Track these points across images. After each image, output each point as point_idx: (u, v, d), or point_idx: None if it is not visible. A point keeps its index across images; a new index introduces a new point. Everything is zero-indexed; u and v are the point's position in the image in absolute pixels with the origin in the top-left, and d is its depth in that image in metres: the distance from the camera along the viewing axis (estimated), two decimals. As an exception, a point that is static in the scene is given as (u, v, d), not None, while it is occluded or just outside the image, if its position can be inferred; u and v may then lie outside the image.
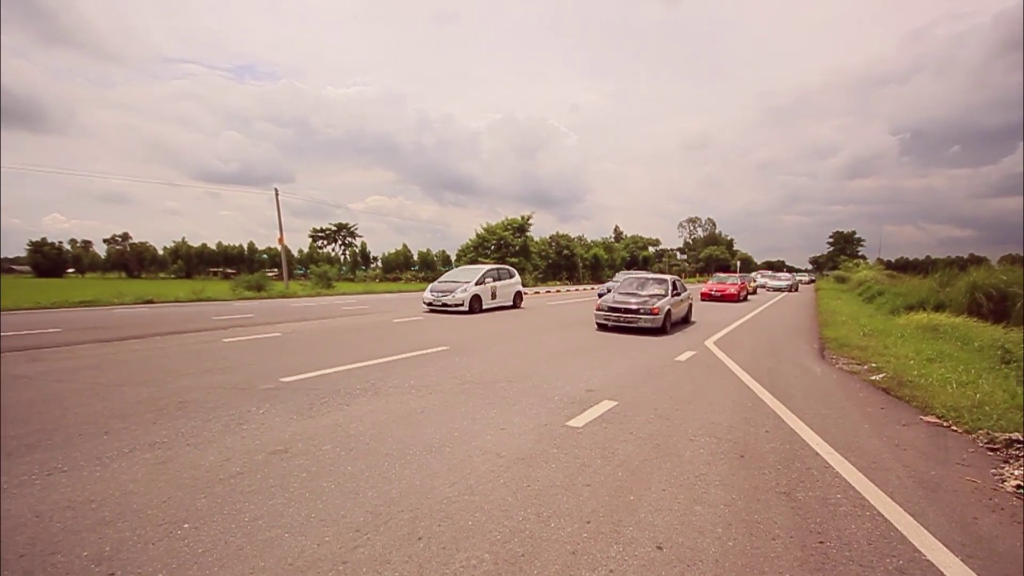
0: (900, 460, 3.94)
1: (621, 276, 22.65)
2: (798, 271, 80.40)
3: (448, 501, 3.09)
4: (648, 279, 12.92)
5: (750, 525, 2.89)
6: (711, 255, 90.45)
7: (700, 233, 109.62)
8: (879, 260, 55.70)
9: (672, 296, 11.80)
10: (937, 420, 5.00)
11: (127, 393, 5.40)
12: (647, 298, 11.60)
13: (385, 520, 2.85)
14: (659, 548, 2.62)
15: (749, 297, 25.68)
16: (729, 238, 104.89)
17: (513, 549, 2.58)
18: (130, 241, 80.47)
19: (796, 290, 36.49)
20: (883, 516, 3.02)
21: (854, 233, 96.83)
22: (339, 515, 2.89)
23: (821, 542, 2.73)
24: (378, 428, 4.38)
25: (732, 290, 22.43)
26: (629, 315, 11.09)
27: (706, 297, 22.40)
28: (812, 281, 57.76)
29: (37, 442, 3.92)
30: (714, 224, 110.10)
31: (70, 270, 74.53)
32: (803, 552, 2.63)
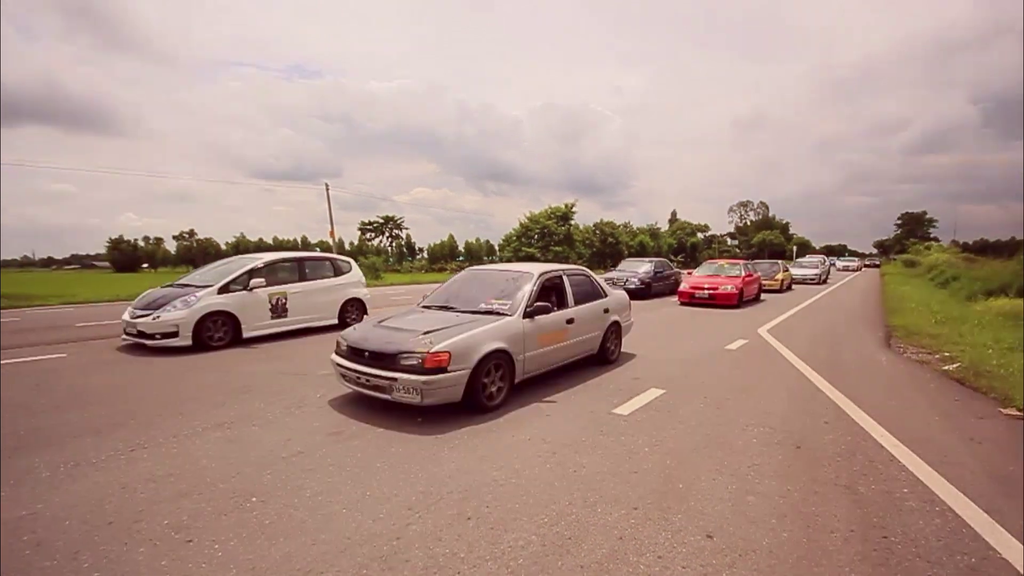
0: (975, 454, 3.68)
1: (626, 264, 18.44)
2: (862, 256, 75.68)
3: (495, 484, 3.16)
4: (517, 274, 5.81)
5: (807, 517, 2.79)
6: (764, 240, 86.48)
7: (752, 217, 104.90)
8: (953, 242, 51.65)
9: (529, 314, 5.13)
10: (1018, 413, 4.62)
11: (197, 377, 5.80)
12: (452, 324, 4.80)
13: (436, 500, 2.95)
14: (709, 537, 2.58)
15: (763, 296, 16.12)
16: (784, 222, 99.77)
17: (560, 532, 2.61)
18: (196, 237, 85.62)
19: (824, 282, 24.48)
20: (954, 512, 2.84)
21: (924, 213, 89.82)
22: (392, 494, 3.02)
23: (885, 537, 2.61)
24: (426, 412, 4.51)
25: (730, 288, 13.30)
26: (379, 376, 4.37)
27: (686, 300, 13.96)
28: (876, 265, 54.13)
29: (122, 422, 4.30)
30: (767, 207, 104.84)
31: (144, 265, 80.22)
32: (864, 547, 2.52)
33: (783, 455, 3.65)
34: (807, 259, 29.73)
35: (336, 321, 9.68)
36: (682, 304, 13.88)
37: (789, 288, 19.69)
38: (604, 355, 6.54)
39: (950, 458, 3.60)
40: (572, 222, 44.33)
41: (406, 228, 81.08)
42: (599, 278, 6.83)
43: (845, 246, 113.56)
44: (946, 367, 6.42)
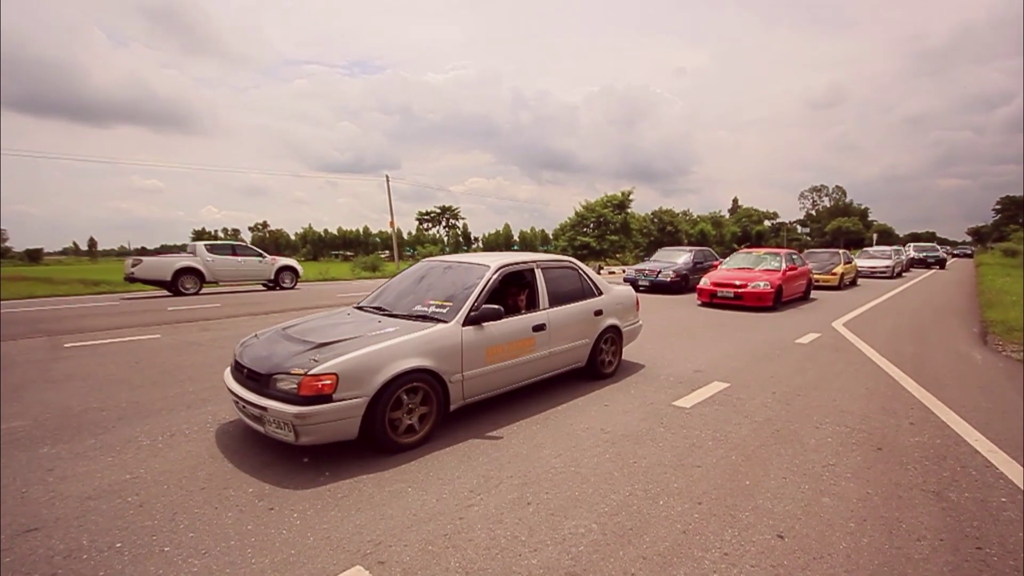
0: (1092, 465, 3.29)
1: (661, 253, 16.73)
2: (952, 244, 69.01)
3: (554, 471, 3.18)
4: (469, 266, 4.62)
5: (889, 523, 2.61)
6: (840, 227, 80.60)
7: (827, 203, 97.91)
8: (1066, 229, 45.81)
9: (473, 319, 3.96)
10: None
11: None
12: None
13: (496, 484, 3.01)
14: (780, 537, 2.48)
15: (815, 295, 13.38)
16: (863, 207, 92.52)
17: (621, 522, 2.60)
18: (269, 228, 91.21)
19: (898, 275, 21.40)
20: (1066, 527, 2.57)
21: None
22: (454, 476, 3.11)
23: (979, 548, 2.40)
24: (485, 399, 4.56)
25: (762, 285, 10.67)
26: (251, 404, 3.37)
27: (706, 300, 11.47)
28: (968, 255, 49.12)
29: (210, 397, 4.68)
30: (844, 192, 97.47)
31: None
32: (955, 557, 2.33)
33: (862, 456, 3.42)
34: (875, 249, 25.23)
35: None
36: (702, 305, 11.43)
37: (853, 284, 16.82)
38: (595, 367, 5.22)
39: (1060, 468, 3.24)
40: (629, 210, 43.26)
41: (462, 218, 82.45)
42: (591, 271, 5.50)
43: (934, 233, 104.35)
44: (1056, 367, 5.77)
